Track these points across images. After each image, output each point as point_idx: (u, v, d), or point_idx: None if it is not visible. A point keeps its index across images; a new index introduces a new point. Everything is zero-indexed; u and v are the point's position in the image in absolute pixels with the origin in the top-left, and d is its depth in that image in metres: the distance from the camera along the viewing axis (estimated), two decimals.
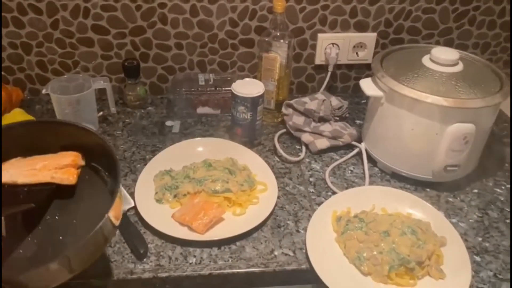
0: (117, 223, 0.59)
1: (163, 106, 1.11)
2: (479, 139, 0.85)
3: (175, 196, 0.82)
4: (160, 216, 0.79)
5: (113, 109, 1.03)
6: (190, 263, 0.72)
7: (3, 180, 0.60)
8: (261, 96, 0.93)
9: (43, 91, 0.91)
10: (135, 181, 0.86)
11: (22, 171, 0.61)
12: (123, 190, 0.85)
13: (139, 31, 1.06)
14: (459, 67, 0.86)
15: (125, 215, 0.79)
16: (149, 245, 0.75)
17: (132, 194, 0.84)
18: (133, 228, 0.77)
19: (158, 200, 0.82)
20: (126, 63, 1.05)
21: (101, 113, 1.05)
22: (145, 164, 0.89)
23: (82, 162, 0.65)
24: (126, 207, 0.81)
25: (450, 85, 0.82)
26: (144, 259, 0.72)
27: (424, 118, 0.82)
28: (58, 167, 0.62)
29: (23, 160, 0.64)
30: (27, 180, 0.60)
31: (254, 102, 0.92)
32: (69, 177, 0.60)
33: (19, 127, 0.67)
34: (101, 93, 1.05)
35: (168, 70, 1.12)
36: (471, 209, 0.85)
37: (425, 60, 0.88)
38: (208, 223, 0.76)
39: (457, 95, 0.80)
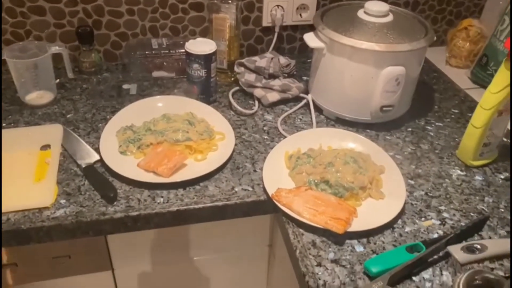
0: None
1: (119, 72, 1.15)
2: (409, 81, 0.96)
3: (138, 147, 0.88)
4: (126, 165, 0.84)
5: (70, 74, 1.06)
6: (158, 203, 0.79)
7: (295, 207, 0.75)
8: (214, 53, 0.99)
9: None
10: (98, 138, 0.91)
11: (308, 207, 0.76)
12: (85, 145, 0.89)
13: None
14: (390, 18, 0.96)
15: (92, 166, 0.84)
16: (117, 191, 0.80)
17: (96, 150, 0.88)
18: (101, 176, 0.82)
19: (123, 152, 0.87)
20: (79, 30, 1.07)
21: (57, 80, 1.08)
22: (106, 124, 0.94)
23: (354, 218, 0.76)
24: (92, 160, 0.86)
25: (382, 34, 0.92)
26: (115, 203, 0.78)
27: (361, 64, 0.92)
28: (333, 217, 0.74)
29: (312, 194, 0.78)
30: (308, 217, 0.74)
31: (207, 59, 0.99)
32: (339, 227, 0.72)
33: None
34: (55, 62, 1.06)
35: (121, 36, 1.15)
36: (406, 144, 0.97)
37: (360, 14, 0.97)
38: (172, 168, 0.82)
39: (388, 41, 0.91)
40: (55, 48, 0.99)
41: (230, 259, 0.97)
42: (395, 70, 0.90)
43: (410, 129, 1.01)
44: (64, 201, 0.78)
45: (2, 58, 0.93)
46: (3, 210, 0.74)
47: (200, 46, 0.99)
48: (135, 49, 1.11)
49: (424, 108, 1.08)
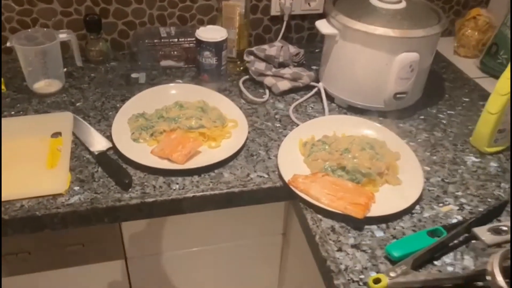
0: None
1: (126, 61, 1.14)
2: (422, 68, 0.95)
3: (151, 134, 0.86)
4: (139, 152, 0.83)
5: (78, 62, 1.05)
6: (174, 189, 0.78)
7: (313, 193, 0.74)
8: (225, 40, 0.98)
9: (8, 44, 0.91)
10: (108, 126, 0.89)
11: (326, 193, 0.74)
12: (97, 133, 0.88)
13: None
14: (403, 4, 0.95)
15: (105, 153, 0.83)
16: (132, 178, 0.79)
17: (108, 137, 0.87)
18: (115, 163, 0.81)
19: (135, 140, 0.86)
20: (87, 18, 1.06)
21: (65, 69, 1.06)
22: (116, 112, 0.92)
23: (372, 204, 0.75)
24: (105, 147, 0.84)
25: (396, 20, 0.92)
26: (130, 189, 0.77)
27: (375, 50, 0.91)
28: (352, 202, 0.73)
29: (329, 180, 0.77)
30: (327, 202, 0.73)
31: (218, 47, 0.98)
32: (358, 212, 0.71)
33: None
34: (62, 51, 1.05)
35: (128, 25, 1.14)
36: (419, 131, 0.96)
37: (373, 0, 0.96)
38: (187, 154, 0.81)
39: (403, 27, 0.90)
40: (64, 35, 0.97)
41: (244, 248, 0.96)
42: (409, 56, 0.90)
43: (422, 116, 1.01)
44: (78, 187, 0.76)
45: (10, 45, 0.91)
46: (16, 197, 0.73)
47: (211, 33, 0.98)
48: (143, 38, 1.10)
49: (435, 97, 1.08)
